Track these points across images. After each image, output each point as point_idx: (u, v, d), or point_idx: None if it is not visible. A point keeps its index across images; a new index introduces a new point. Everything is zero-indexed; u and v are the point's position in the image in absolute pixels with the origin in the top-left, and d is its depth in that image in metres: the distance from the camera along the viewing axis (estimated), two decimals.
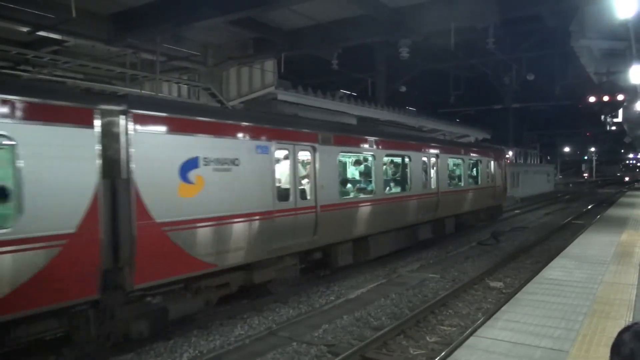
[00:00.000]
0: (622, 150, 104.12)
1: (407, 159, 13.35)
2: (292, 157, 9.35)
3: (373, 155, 11.96)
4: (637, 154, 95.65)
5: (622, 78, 15.17)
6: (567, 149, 69.89)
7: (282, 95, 15.24)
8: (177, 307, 7.15)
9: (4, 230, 5.17)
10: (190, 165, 7.10)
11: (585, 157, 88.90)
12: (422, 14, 11.73)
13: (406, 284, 10.96)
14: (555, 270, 8.85)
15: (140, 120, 6.50)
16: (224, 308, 8.90)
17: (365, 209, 11.31)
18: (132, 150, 6.36)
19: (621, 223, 15.76)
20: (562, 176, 74.96)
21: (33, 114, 5.44)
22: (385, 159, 12.64)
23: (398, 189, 13.21)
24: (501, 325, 5.82)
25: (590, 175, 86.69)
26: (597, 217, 19.68)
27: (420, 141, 14.24)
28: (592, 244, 11.60)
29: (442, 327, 8.29)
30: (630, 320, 5.87)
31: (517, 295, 7.34)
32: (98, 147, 6.00)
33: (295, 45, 13.79)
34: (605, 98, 14.89)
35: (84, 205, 5.80)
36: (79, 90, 6.71)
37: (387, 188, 12.71)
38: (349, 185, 12.06)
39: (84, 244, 5.74)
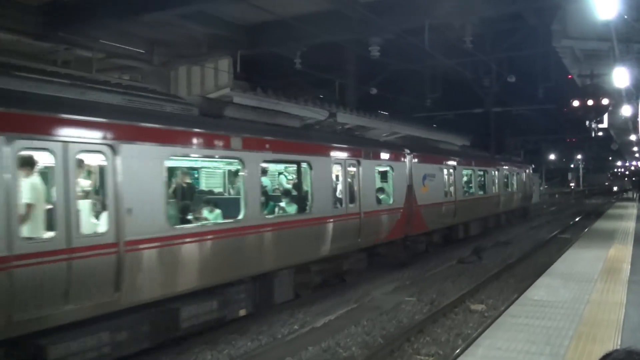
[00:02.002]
0: (610, 158, 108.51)
1: (481, 172, 22.67)
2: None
3: (452, 169, 19.05)
4: (625, 162, 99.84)
5: (607, 81, 15.88)
6: (552, 157, 72.23)
7: (239, 98, 15.20)
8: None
9: (391, 204, 14.06)
10: (425, 176, 16.58)
11: (572, 165, 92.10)
12: (394, 11, 12.02)
13: (380, 309, 11.05)
14: (540, 289, 9.13)
15: (414, 156, 15.97)
16: (174, 348, 8.74)
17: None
18: (413, 170, 15.65)
19: (609, 237, 16.39)
20: (548, 185, 77.37)
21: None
22: (465, 171, 20.84)
23: (479, 192, 22.18)
24: (482, 354, 5.95)
25: (577, 184, 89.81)
26: (584, 230, 20.40)
27: (496, 161, 25.06)
28: (578, 260, 12.01)
29: (418, 357, 8.40)
30: (619, 342, 6.11)
31: (499, 319, 7.53)
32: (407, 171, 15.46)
33: (253, 42, 13.85)
34: (590, 102, 15.55)
35: (404, 196, 14.94)
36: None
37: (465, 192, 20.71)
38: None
39: (404, 213, 14.60)
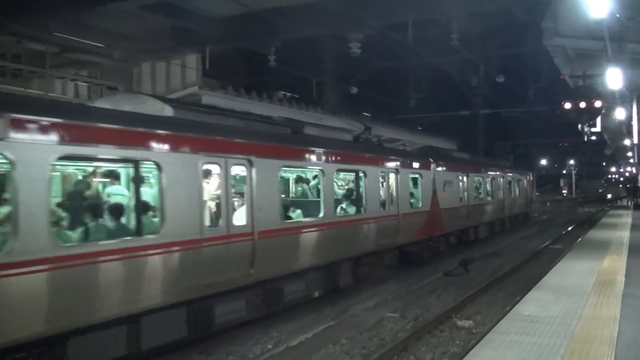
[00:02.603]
0: (604, 164, 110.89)
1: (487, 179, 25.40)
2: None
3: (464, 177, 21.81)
4: (619, 168, 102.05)
5: (600, 82, 16.26)
6: (543, 162, 73.57)
7: (208, 97, 15.17)
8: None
9: (420, 207, 17.08)
10: (445, 182, 19.04)
11: (564, 171, 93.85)
12: (376, 4, 12.13)
13: (360, 326, 11.05)
14: (531, 304, 9.24)
15: (437, 165, 18.74)
16: None
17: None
18: (436, 177, 18.32)
19: (603, 247, 16.69)
20: (539, 193, 78.67)
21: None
22: (475, 178, 23.63)
23: (487, 197, 25.03)
24: None
25: (570, 191, 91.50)
26: (577, 240, 20.76)
27: (501, 168, 28.49)
28: (571, 273, 12.20)
29: None
30: None
31: (487, 336, 7.60)
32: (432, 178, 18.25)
33: (224, 36, 13.82)
34: (582, 104, 15.89)
35: (430, 199, 17.61)
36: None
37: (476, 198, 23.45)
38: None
39: (429, 216, 17.28)
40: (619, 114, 20.53)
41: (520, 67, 31.22)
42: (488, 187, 25.40)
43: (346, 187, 14.84)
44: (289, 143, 11.59)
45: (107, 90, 11.56)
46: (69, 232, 7.61)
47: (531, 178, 36.87)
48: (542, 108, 35.85)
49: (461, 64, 28.45)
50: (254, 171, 10.01)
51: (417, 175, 17.45)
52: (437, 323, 11.16)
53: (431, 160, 18.57)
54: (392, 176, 15.40)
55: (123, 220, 8.22)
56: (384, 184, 15.08)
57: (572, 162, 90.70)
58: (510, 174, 30.00)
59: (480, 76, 30.79)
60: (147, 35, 14.60)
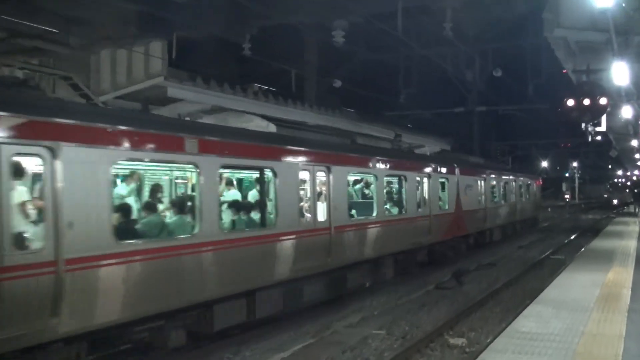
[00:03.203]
0: (609, 166, 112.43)
1: (512, 184, 30.59)
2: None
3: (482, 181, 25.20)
4: (626, 171, 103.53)
5: (605, 78, 16.45)
6: (544, 164, 74.22)
7: (175, 90, 15.07)
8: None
9: (447, 209, 20.62)
10: (466, 186, 22.66)
11: (567, 174, 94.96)
12: None
13: (342, 344, 11.04)
14: (529, 320, 9.34)
15: (460, 170, 22.26)
16: None
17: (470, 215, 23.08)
18: (460, 182, 21.93)
19: (607, 258, 16.93)
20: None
21: None
22: (492, 182, 26.96)
23: (502, 201, 28.61)
24: None
25: (572, 196, 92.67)
26: (580, 250, 21.03)
27: (513, 172, 32.48)
28: (573, 286, 12.35)
29: None
30: None
31: (482, 355, 7.66)
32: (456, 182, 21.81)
33: (192, 22, 13.74)
34: (586, 102, 16.05)
35: (454, 202, 21.23)
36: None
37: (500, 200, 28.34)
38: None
39: (454, 217, 20.95)
40: (626, 112, 20.81)
41: (519, 61, 31.54)
42: (502, 191, 28.81)
43: (391, 190, 17.88)
44: (353, 152, 15.07)
45: (60, 80, 11.29)
46: (225, 223, 10.98)
47: (539, 182, 40.54)
48: (542, 106, 36.21)
49: (455, 57, 28.67)
50: (331, 176, 13.34)
51: (444, 180, 20.85)
52: (428, 341, 11.20)
53: (455, 165, 22.09)
54: (425, 180, 18.86)
55: (254, 215, 11.77)
56: (419, 187, 18.48)
57: (574, 164, 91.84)
58: (522, 178, 33.49)
59: (475, 70, 31.04)
60: (107, 20, 14.48)
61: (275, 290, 11.62)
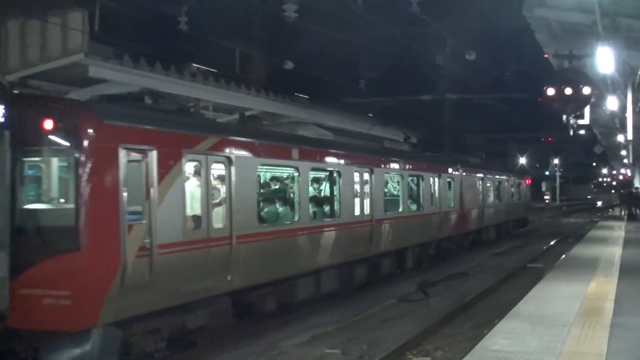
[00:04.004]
0: (594, 164, 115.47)
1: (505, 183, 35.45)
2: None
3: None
4: (612, 170, 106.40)
5: (589, 64, 16.82)
6: (522, 161, 75.63)
7: (98, 69, 14.76)
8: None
9: (452, 207, 25.20)
10: (467, 185, 27.52)
11: (547, 173, 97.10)
12: None
13: None
14: (502, 337, 9.47)
15: (463, 169, 27.21)
16: None
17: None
18: (462, 181, 26.77)
19: (590, 266, 17.35)
20: None
21: None
22: (488, 182, 31.73)
23: (496, 200, 33.35)
24: None
25: (553, 198, 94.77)
26: (560, 258, 21.50)
27: (506, 172, 37.68)
28: (551, 298, 12.60)
29: None
30: None
31: None
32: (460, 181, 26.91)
33: None
34: (568, 91, 16.37)
35: (458, 200, 26.05)
36: None
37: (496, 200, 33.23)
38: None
39: (458, 215, 25.88)
40: (611, 103, 21.33)
41: (495, 43, 32.09)
42: (497, 191, 33.55)
43: (411, 188, 21.78)
44: (387, 156, 19.85)
45: None
46: (313, 213, 15.48)
47: (529, 181, 45.58)
48: (521, 95, 36.84)
49: (423, 37, 28.88)
50: (373, 177, 17.81)
51: (450, 179, 25.14)
52: None
53: (459, 165, 26.61)
54: (436, 180, 23.12)
55: (326, 208, 16.12)
56: (433, 186, 22.82)
57: (556, 161, 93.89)
58: (513, 178, 38.56)
59: (447, 53, 31.32)
60: None
61: (333, 271, 15.97)
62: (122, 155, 9.42)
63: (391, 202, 19.93)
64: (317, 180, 16.58)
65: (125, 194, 9.36)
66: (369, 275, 17.99)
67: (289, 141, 14.59)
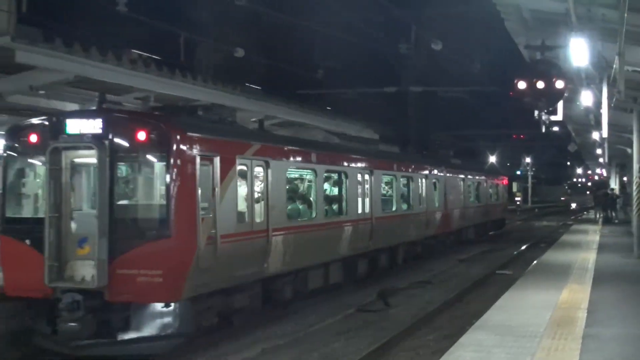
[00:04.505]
0: (568, 163, 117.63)
1: (484, 184, 39.62)
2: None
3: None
4: (587, 170, 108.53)
5: (562, 56, 17.09)
6: (492, 159, 76.55)
7: (26, 54, 14.51)
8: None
9: (437, 207, 28.90)
10: (451, 186, 31.70)
11: (518, 172, 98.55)
12: None
13: None
14: (467, 349, 9.59)
15: (447, 170, 31.48)
16: None
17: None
18: (447, 182, 30.78)
19: (562, 273, 17.68)
20: None
21: None
22: (470, 183, 35.95)
23: (477, 202, 37.48)
24: None
25: (525, 199, 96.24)
26: (531, 264, 21.85)
27: (486, 173, 41.88)
28: (521, 307, 12.80)
29: None
30: None
31: None
32: (444, 182, 31.49)
33: None
34: (540, 84, 16.60)
35: (443, 201, 29.96)
36: None
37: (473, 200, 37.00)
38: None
39: (443, 215, 29.53)
40: (586, 98, 21.67)
41: (463, 31, 32.42)
42: (477, 191, 37.59)
43: (403, 189, 24.67)
44: (383, 158, 23.19)
45: None
46: (326, 211, 18.51)
47: (506, 181, 49.89)
48: (491, 88, 37.29)
49: (386, 24, 29.02)
50: (372, 178, 20.86)
51: (436, 180, 28.36)
52: None
53: (444, 166, 30.05)
54: (424, 180, 26.50)
55: (334, 206, 19.19)
56: (420, 187, 26.05)
57: (528, 160, 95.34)
58: (492, 179, 42.59)
59: (411, 42, 31.51)
60: None
61: (339, 264, 18.89)
62: (198, 160, 12.26)
63: (387, 201, 23.20)
64: (329, 181, 19.59)
65: (199, 193, 12.14)
66: (368, 269, 21.14)
67: (308, 146, 17.78)
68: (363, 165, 20.58)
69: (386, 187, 23.88)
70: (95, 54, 16.35)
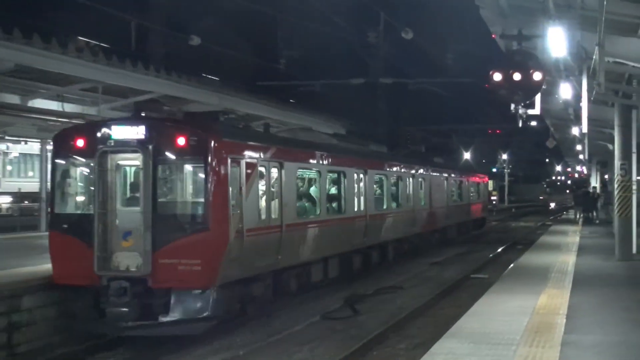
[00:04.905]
0: (547, 160, 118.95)
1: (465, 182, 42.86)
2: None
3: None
4: (566, 167, 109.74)
5: (540, 47, 17.25)
6: (467, 156, 77.07)
7: None
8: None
9: (423, 205, 32.16)
10: (436, 185, 34.87)
11: (494, 170, 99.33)
12: None
13: None
14: (440, 358, 9.63)
15: (432, 170, 35.21)
16: None
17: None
18: (431, 180, 34.08)
19: (540, 277, 17.85)
20: None
21: None
22: (453, 182, 39.33)
23: (459, 200, 40.88)
24: None
25: (502, 198, 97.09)
26: (508, 267, 22.04)
27: (467, 172, 45.90)
28: (496, 313, 12.89)
29: None
30: None
31: None
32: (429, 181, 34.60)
33: None
34: (517, 76, 16.70)
35: (428, 199, 33.34)
36: None
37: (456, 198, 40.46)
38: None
39: (427, 212, 32.79)
40: (565, 91, 21.88)
41: (435, 19, 32.58)
42: (460, 190, 40.47)
43: (392, 188, 27.18)
44: (375, 158, 26.09)
45: None
46: (327, 208, 20.70)
47: (486, 180, 53.61)
48: (465, 79, 37.51)
49: (354, 12, 29.04)
50: (367, 177, 23.34)
51: (422, 179, 31.02)
52: None
53: (429, 165, 33.07)
54: (411, 179, 29.14)
55: (335, 204, 21.38)
56: (408, 186, 28.67)
57: (504, 156, 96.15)
58: (474, 179, 45.69)
59: (380, 30, 31.58)
60: None
61: (337, 259, 20.91)
62: (229, 163, 14.44)
63: (379, 200, 25.50)
64: (330, 180, 21.50)
65: (230, 191, 14.33)
66: (363, 264, 23.42)
67: (313, 147, 20.19)
68: (359, 165, 23.02)
69: (378, 187, 25.95)
70: (37, 41, 16.16)
